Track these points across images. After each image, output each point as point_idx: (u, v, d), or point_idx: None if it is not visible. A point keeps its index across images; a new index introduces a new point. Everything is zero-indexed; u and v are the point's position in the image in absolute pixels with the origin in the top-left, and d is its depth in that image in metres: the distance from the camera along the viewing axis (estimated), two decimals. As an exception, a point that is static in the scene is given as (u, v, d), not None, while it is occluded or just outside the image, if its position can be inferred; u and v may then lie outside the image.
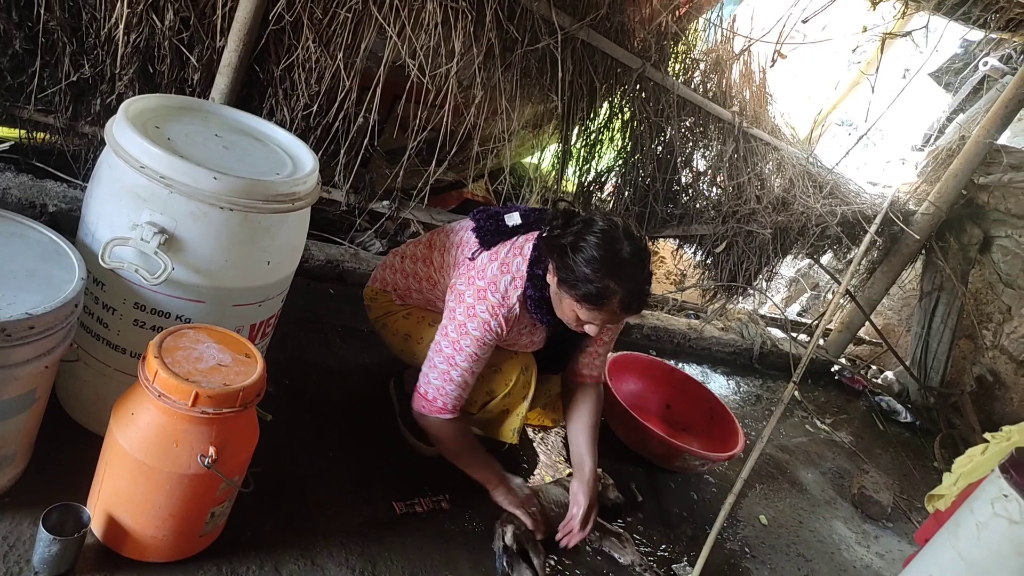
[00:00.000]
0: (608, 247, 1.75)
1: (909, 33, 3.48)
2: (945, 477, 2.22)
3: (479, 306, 1.88)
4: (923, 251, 4.39)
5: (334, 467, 2.05)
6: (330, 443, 2.12)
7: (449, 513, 2.07)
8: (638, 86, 3.20)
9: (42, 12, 2.17)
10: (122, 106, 1.61)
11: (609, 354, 2.31)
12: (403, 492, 2.06)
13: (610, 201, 3.61)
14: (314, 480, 1.97)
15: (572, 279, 1.76)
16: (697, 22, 3.39)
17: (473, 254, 1.96)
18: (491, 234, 1.98)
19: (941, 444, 4.03)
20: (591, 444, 2.15)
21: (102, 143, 1.61)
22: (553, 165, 3.41)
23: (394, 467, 2.15)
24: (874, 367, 4.85)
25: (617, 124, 3.36)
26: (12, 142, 2.46)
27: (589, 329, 1.87)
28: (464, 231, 2.07)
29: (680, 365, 3.54)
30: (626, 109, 3.31)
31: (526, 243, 1.93)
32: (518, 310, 1.91)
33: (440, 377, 1.93)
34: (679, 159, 3.54)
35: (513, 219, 2.00)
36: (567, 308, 1.84)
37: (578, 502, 2.06)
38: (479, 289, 1.89)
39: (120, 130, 1.55)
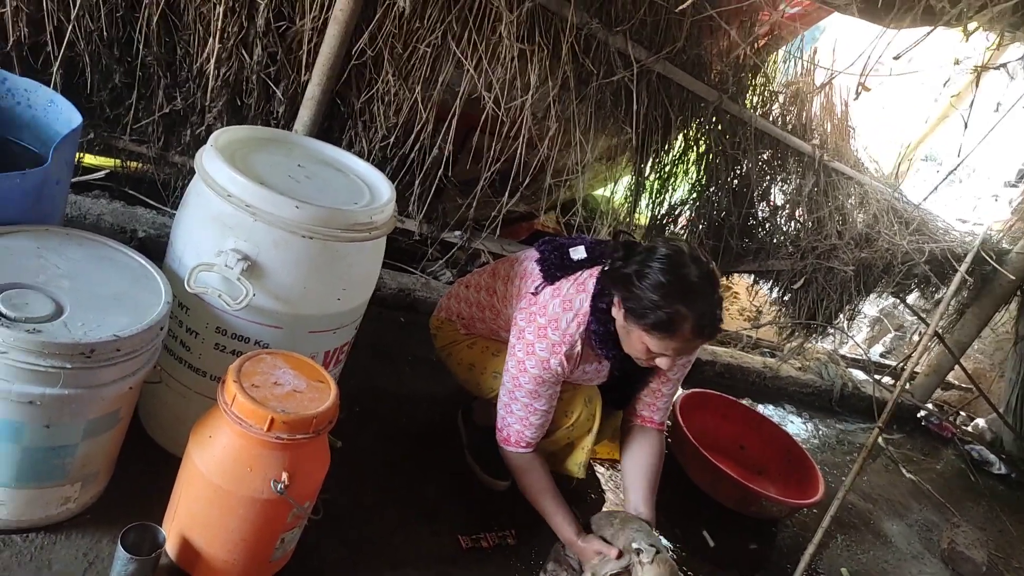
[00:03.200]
0: (675, 271, 1.69)
1: (1003, 65, 3.32)
2: (1051, 537, 2.06)
3: (539, 344, 1.84)
4: (1018, 292, 4.15)
5: (401, 497, 2.04)
6: (397, 472, 2.11)
7: (515, 549, 2.03)
8: (714, 118, 3.16)
9: (141, 48, 2.29)
10: (211, 137, 1.66)
11: (676, 394, 2.19)
12: (469, 525, 2.04)
13: (683, 234, 3.54)
14: (381, 509, 1.96)
15: (640, 308, 1.70)
16: (776, 54, 3.34)
17: (536, 288, 1.92)
18: (555, 267, 1.94)
19: (1040, 499, 3.76)
20: (650, 498, 1.96)
21: (191, 172, 1.67)
22: (626, 197, 3.38)
23: (460, 499, 2.13)
24: (964, 414, 4.58)
25: (692, 156, 3.32)
26: (107, 170, 2.59)
27: (661, 362, 1.78)
28: (528, 261, 2.04)
29: (754, 405, 3.41)
30: (701, 141, 3.27)
31: (589, 279, 1.88)
32: (580, 348, 1.85)
33: (503, 409, 1.93)
34: (756, 192, 3.46)
35: (578, 253, 1.96)
36: (636, 341, 1.77)
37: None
38: (540, 327, 1.85)
39: (209, 160, 1.60)
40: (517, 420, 1.91)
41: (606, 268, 1.84)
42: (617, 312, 1.79)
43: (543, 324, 1.85)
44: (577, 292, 1.87)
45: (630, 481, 2.02)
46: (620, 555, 1.78)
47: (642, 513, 1.93)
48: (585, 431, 2.06)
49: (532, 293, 1.92)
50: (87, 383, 1.38)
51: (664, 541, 1.96)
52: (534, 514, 1.98)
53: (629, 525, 1.84)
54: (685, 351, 1.79)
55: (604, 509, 2.37)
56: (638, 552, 1.74)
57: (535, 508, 1.95)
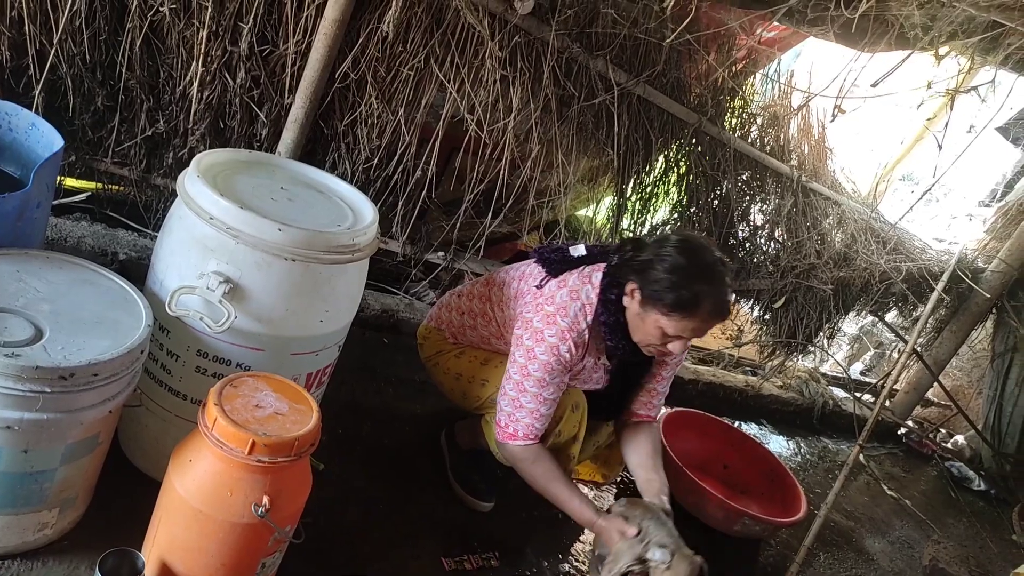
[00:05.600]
0: (692, 254, 1.79)
1: (975, 88, 3.40)
2: (1029, 553, 2.08)
3: (548, 330, 1.87)
4: (994, 310, 4.21)
5: (384, 519, 2.03)
6: (380, 494, 2.10)
7: (499, 571, 2.02)
8: (694, 140, 3.20)
9: (124, 71, 2.29)
10: (194, 160, 1.67)
11: (663, 407, 2.23)
12: (452, 547, 2.03)
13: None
14: (363, 532, 1.95)
15: (659, 291, 1.77)
16: (754, 77, 3.39)
17: (541, 282, 1.97)
18: (557, 263, 2.00)
19: (1020, 515, 3.79)
20: (658, 468, 2.03)
21: (173, 195, 1.68)
22: (608, 218, 3.41)
23: (444, 521, 2.12)
24: (943, 431, 4.63)
25: (673, 177, 3.35)
26: (89, 193, 2.58)
27: (674, 346, 1.85)
28: (527, 265, 2.09)
29: (737, 423, 3.43)
30: (682, 163, 3.31)
31: (594, 272, 1.94)
32: (588, 336, 1.89)
33: (510, 404, 1.91)
34: (736, 213, 3.50)
35: (578, 250, 2.02)
36: (651, 326, 1.82)
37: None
38: (548, 314, 1.88)
39: (191, 183, 1.60)
40: (527, 413, 1.89)
41: (615, 261, 1.90)
42: (631, 301, 1.85)
43: (551, 312, 1.88)
44: (583, 284, 1.92)
45: (642, 475, 2.04)
46: (638, 534, 1.77)
47: (659, 503, 1.91)
48: (571, 438, 2.06)
49: (536, 287, 1.97)
50: (66, 407, 1.37)
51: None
52: (518, 536, 1.98)
53: (647, 516, 1.82)
54: (699, 332, 1.85)
55: (585, 533, 2.36)
56: (650, 558, 1.74)
57: (547, 497, 1.91)
